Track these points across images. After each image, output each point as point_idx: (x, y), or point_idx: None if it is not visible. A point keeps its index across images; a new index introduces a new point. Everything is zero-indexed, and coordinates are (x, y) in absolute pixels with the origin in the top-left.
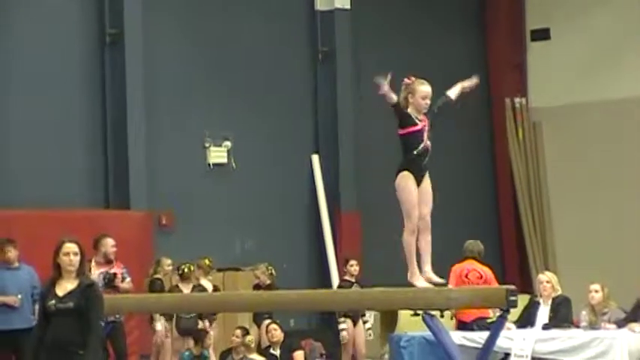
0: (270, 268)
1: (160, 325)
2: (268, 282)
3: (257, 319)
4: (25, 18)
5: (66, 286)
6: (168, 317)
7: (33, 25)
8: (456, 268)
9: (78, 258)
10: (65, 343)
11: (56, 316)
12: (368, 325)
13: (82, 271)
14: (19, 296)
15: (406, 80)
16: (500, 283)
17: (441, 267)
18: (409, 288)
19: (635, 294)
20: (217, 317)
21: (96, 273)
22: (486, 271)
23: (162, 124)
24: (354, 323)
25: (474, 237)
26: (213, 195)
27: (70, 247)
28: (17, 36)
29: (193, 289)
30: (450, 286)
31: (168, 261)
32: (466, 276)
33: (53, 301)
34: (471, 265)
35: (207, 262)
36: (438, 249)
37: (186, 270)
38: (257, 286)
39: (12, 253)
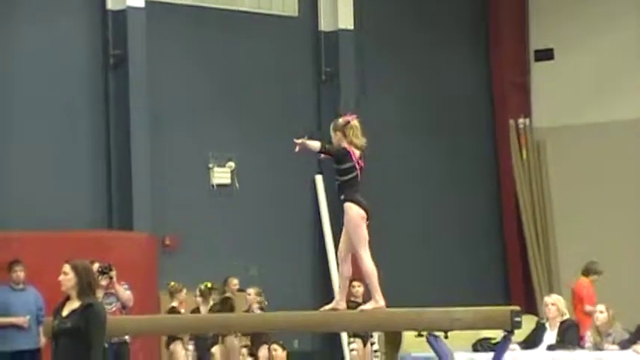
0: (261, 295)
1: (180, 347)
2: (257, 306)
3: (255, 343)
4: (29, 40)
5: (70, 307)
6: (191, 338)
7: (37, 47)
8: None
9: (68, 278)
10: None
11: (59, 336)
12: (375, 347)
13: (83, 292)
14: (28, 317)
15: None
16: (505, 304)
17: (447, 287)
18: (413, 309)
19: None
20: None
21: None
22: (580, 285)
23: (165, 145)
24: (364, 344)
25: (478, 257)
26: (216, 216)
27: (63, 267)
28: (21, 58)
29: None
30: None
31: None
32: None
33: (56, 322)
34: (579, 280)
35: (207, 285)
36: (442, 270)
37: (203, 288)
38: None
39: (21, 273)
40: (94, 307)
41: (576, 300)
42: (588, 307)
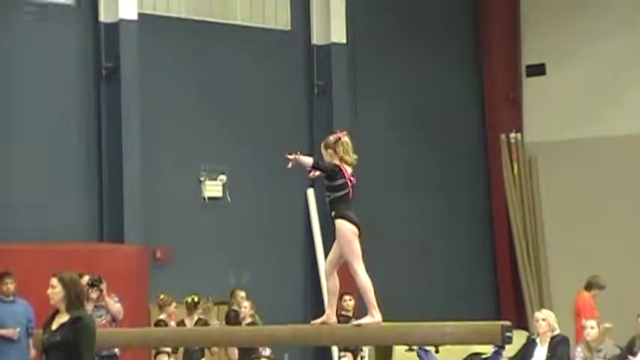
0: (254, 309)
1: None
2: (249, 320)
3: (243, 356)
4: (20, 51)
5: (60, 320)
6: (174, 351)
7: (29, 59)
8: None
9: (56, 291)
10: None
11: (49, 350)
12: None
13: (72, 304)
14: (18, 329)
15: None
16: (496, 319)
17: (438, 302)
18: (404, 323)
19: (632, 330)
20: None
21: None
22: (580, 299)
23: (157, 157)
24: (354, 357)
25: (469, 272)
26: (208, 228)
27: (51, 281)
28: (13, 69)
29: (197, 322)
30: None
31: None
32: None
33: (46, 335)
34: (581, 294)
35: (193, 298)
36: (433, 285)
37: (189, 301)
38: (235, 316)
39: (11, 285)
40: (83, 319)
41: (576, 314)
42: (584, 322)
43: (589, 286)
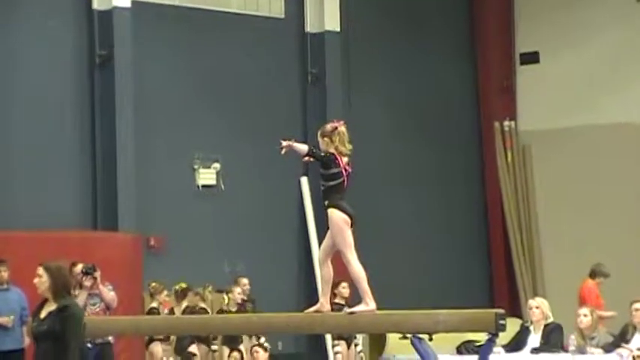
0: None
1: (160, 348)
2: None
3: (229, 343)
4: (13, 40)
5: (48, 308)
6: (165, 339)
7: (22, 47)
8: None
9: (42, 280)
10: None
11: (38, 339)
12: (359, 348)
13: (59, 293)
14: (12, 317)
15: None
16: (489, 307)
17: (432, 290)
18: (397, 311)
19: (625, 318)
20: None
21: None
22: (585, 287)
23: (151, 145)
24: (348, 346)
25: (463, 260)
26: (202, 217)
27: (37, 270)
28: (7, 58)
29: (185, 310)
30: None
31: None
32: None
33: (35, 324)
34: (585, 282)
35: (182, 286)
36: (427, 273)
37: (177, 289)
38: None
39: (5, 273)
40: (70, 308)
41: (580, 302)
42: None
43: (593, 274)
